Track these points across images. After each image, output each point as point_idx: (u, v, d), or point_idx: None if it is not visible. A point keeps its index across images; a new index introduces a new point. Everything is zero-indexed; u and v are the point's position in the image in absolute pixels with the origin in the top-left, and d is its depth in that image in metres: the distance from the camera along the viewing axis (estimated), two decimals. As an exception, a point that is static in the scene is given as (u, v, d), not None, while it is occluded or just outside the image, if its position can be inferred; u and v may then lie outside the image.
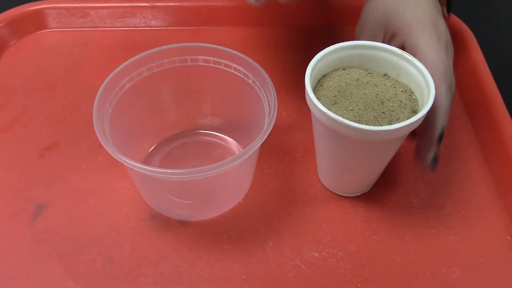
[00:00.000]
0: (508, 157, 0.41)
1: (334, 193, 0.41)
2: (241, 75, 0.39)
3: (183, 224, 0.39)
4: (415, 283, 0.36)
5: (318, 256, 0.37)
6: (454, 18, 0.54)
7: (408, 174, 0.42)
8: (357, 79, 0.37)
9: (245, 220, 0.39)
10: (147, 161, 0.42)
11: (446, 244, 0.38)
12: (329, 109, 0.33)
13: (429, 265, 0.37)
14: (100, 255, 0.37)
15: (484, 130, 0.45)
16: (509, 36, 0.59)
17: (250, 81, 0.39)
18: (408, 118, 0.34)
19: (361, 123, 0.33)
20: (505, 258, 0.37)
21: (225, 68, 0.40)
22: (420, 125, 0.34)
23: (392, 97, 0.35)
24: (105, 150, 0.33)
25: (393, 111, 0.34)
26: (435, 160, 0.37)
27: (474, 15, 0.54)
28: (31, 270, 0.36)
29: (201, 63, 0.40)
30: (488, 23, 0.59)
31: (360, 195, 0.41)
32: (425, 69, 0.35)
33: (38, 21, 0.55)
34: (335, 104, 0.35)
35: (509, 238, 0.38)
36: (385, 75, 0.37)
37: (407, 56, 0.36)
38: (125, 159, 0.32)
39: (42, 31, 0.56)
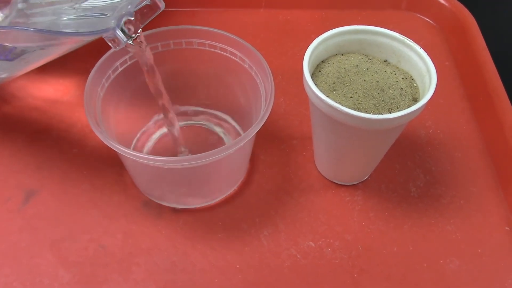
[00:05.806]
0: (509, 146, 0.40)
1: (331, 181, 0.40)
2: (237, 59, 0.38)
3: (176, 211, 0.38)
4: (412, 273, 0.35)
5: (314, 245, 0.37)
6: (456, 3, 0.53)
7: (407, 162, 0.42)
8: (357, 65, 0.35)
9: (240, 208, 0.38)
10: (139, 146, 0.41)
11: (444, 235, 0.37)
12: (327, 96, 0.32)
13: (427, 256, 0.36)
14: (92, 243, 0.36)
15: (485, 118, 0.44)
16: None
17: (247, 66, 0.38)
18: (408, 106, 0.33)
19: (361, 111, 0.32)
20: (504, 249, 0.37)
21: (220, 51, 0.39)
22: None
23: (392, 85, 0.34)
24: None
25: (394, 99, 0.33)
26: None
27: (476, 0, 0.53)
28: (21, 257, 0.36)
29: (196, 47, 0.39)
30: (490, 9, 0.58)
31: (358, 183, 0.40)
32: (427, 55, 0.34)
33: None
34: (333, 91, 0.34)
35: (508, 229, 0.38)
36: (385, 61, 0.36)
37: (408, 42, 0.35)
38: (117, 145, 0.31)
39: (32, 11, 0.54)
